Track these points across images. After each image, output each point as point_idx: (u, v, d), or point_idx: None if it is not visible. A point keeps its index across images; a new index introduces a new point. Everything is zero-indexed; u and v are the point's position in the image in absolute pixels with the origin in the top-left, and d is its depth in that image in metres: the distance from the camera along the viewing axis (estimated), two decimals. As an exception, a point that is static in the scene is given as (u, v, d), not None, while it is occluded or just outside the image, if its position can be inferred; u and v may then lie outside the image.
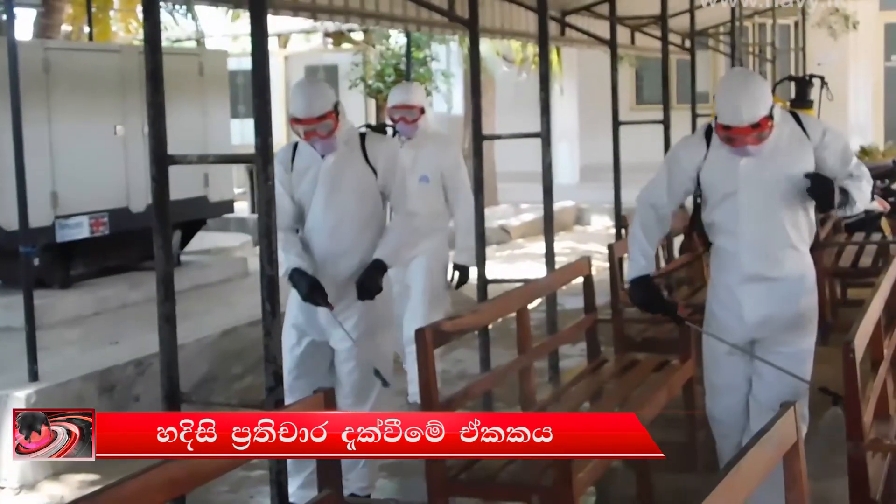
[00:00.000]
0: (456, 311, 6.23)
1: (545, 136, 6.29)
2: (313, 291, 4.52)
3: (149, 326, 7.09)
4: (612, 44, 8.31)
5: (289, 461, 3.99)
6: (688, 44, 10.96)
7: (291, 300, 4.81)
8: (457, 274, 6.39)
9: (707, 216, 4.39)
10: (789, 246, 4.25)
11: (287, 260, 4.58)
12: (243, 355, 7.39)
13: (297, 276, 4.57)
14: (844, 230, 9.67)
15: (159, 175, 3.55)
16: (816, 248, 4.46)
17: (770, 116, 4.07)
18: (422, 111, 6.17)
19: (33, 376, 6.03)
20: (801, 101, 4.81)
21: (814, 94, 5.54)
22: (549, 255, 6.45)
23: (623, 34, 10.97)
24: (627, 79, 19.52)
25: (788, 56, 18.74)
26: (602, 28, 9.72)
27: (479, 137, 6.41)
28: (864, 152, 16.38)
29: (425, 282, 6.27)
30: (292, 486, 4.45)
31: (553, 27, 9.63)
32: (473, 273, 6.36)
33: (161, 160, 3.53)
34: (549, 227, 6.50)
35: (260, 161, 3.37)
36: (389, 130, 5.83)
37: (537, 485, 3.89)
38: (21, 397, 5.77)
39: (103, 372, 6.34)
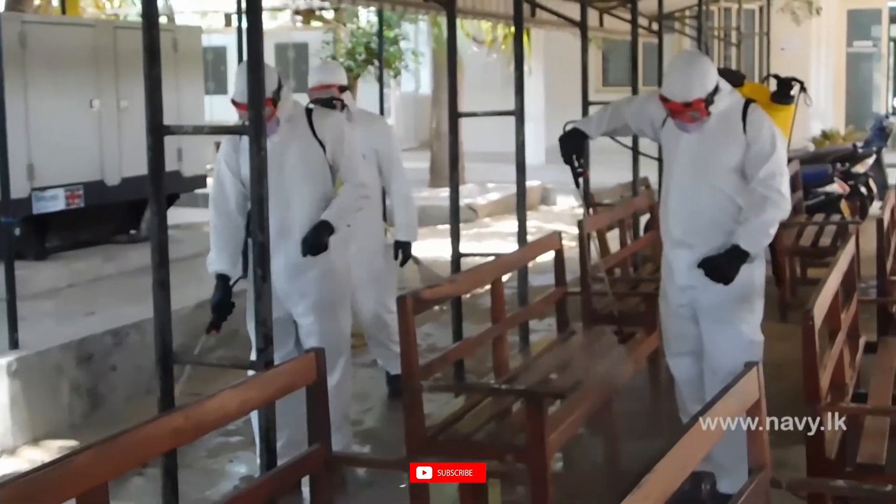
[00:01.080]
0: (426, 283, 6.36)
1: (519, 114, 6.46)
2: (220, 310, 4.76)
3: (123, 299, 7.26)
4: (582, 25, 8.46)
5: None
6: (655, 27, 11.12)
7: None
8: (400, 252, 6.20)
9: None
10: (715, 224, 4.46)
11: (219, 260, 4.79)
12: (217, 327, 7.49)
13: (217, 284, 4.78)
14: (805, 211, 9.92)
15: (155, 144, 3.68)
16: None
17: (706, 101, 4.29)
18: (341, 90, 5.90)
19: (14, 345, 6.13)
20: (782, 97, 4.96)
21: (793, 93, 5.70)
22: (522, 230, 6.62)
23: (592, 16, 11.11)
24: (594, 61, 19.68)
25: (753, 41, 19.01)
26: (572, 10, 9.85)
27: (454, 115, 6.55)
28: (826, 136, 16.72)
29: (366, 265, 6.07)
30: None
31: (524, 8, 9.75)
32: (415, 249, 6.27)
33: (157, 130, 3.66)
34: (521, 203, 6.67)
35: (253, 132, 3.51)
36: (338, 104, 5.80)
37: (512, 444, 4.07)
38: (2, 364, 5.88)
39: (81, 342, 6.44)
